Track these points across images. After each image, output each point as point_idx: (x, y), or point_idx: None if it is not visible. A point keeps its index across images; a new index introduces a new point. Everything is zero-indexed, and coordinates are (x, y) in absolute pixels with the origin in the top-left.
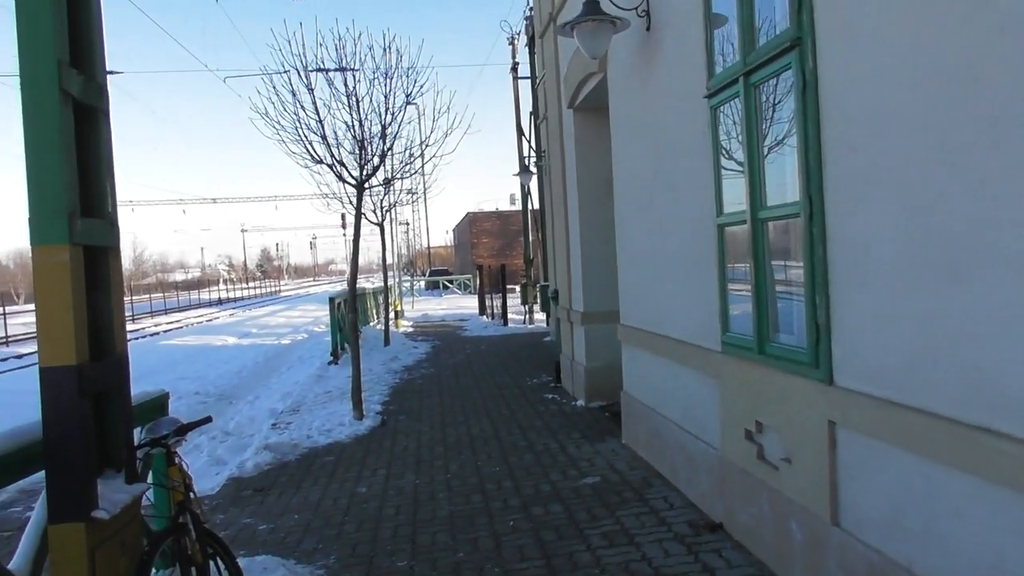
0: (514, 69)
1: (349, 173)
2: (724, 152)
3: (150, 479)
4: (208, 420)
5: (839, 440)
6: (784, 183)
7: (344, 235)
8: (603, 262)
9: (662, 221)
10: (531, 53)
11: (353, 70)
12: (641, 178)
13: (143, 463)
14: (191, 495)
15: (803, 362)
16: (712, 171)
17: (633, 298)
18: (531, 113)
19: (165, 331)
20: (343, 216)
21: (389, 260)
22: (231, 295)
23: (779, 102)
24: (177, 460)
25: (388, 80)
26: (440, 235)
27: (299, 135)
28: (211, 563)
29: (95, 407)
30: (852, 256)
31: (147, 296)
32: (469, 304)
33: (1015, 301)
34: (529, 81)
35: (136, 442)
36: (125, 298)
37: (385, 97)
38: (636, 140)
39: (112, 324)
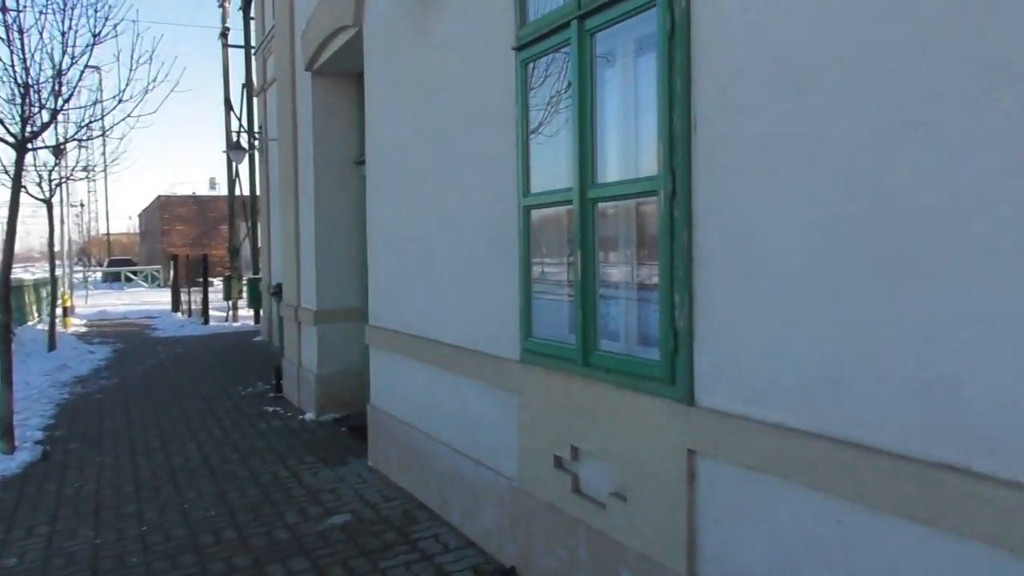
0: (224, 35)
1: (5, 128)
2: (533, 120)
3: None
4: None
5: (700, 474)
6: (626, 156)
7: None
8: (343, 253)
9: (437, 203)
10: (246, 17)
11: None
12: (408, 154)
13: None
14: None
15: (652, 377)
16: (517, 141)
17: (389, 294)
18: (243, 85)
19: None
20: None
21: (57, 247)
22: None
23: (628, 54)
24: None
25: (67, 11)
26: (122, 222)
27: None
28: None
29: None
30: (731, 244)
31: None
32: (159, 299)
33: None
34: (243, 50)
35: None
36: None
37: (63, 34)
38: (402, 108)
39: None
